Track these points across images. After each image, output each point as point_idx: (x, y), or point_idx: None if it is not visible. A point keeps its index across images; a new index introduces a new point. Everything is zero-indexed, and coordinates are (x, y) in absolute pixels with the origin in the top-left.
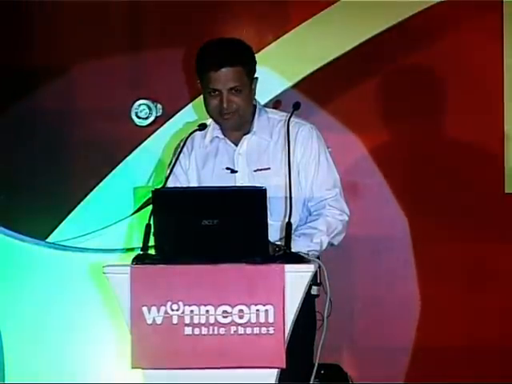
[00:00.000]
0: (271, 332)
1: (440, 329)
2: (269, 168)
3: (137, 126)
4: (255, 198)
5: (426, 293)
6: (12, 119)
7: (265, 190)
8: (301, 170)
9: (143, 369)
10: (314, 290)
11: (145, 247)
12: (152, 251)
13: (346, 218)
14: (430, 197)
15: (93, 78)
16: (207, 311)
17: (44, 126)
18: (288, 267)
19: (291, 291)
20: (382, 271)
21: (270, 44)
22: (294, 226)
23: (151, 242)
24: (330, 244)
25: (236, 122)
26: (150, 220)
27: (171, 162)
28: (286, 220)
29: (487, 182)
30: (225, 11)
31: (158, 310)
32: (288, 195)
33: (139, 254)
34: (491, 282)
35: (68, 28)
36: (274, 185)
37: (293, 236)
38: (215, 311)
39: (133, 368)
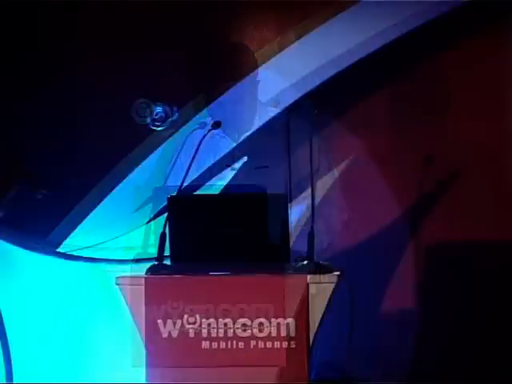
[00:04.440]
0: (293, 346)
1: (440, 329)
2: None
3: (152, 129)
4: (275, 204)
5: (427, 293)
6: (12, 119)
7: (285, 195)
8: None
9: None
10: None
11: (160, 257)
12: (168, 261)
13: None
14: (432, 197)
15: (96, 78)
16: (225, 324)
17: (44, 124)
18: (311, 278)
19: (314, 303)
20: (382, 271)
21: (270, 43)
22: None
23: (167, 252)
24: None
25: None
26: (165, 228)
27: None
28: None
29: (488, 181)
30: (226, 11)
31: (174, 324)
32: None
33: (154, 265)
34: (492, 282)
35: (68, 28)
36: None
37: None
38: (234, 324)
39: None
